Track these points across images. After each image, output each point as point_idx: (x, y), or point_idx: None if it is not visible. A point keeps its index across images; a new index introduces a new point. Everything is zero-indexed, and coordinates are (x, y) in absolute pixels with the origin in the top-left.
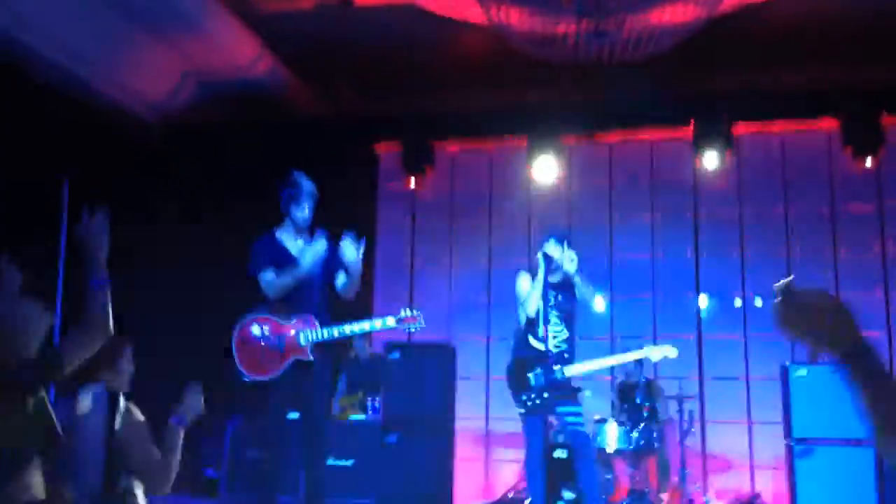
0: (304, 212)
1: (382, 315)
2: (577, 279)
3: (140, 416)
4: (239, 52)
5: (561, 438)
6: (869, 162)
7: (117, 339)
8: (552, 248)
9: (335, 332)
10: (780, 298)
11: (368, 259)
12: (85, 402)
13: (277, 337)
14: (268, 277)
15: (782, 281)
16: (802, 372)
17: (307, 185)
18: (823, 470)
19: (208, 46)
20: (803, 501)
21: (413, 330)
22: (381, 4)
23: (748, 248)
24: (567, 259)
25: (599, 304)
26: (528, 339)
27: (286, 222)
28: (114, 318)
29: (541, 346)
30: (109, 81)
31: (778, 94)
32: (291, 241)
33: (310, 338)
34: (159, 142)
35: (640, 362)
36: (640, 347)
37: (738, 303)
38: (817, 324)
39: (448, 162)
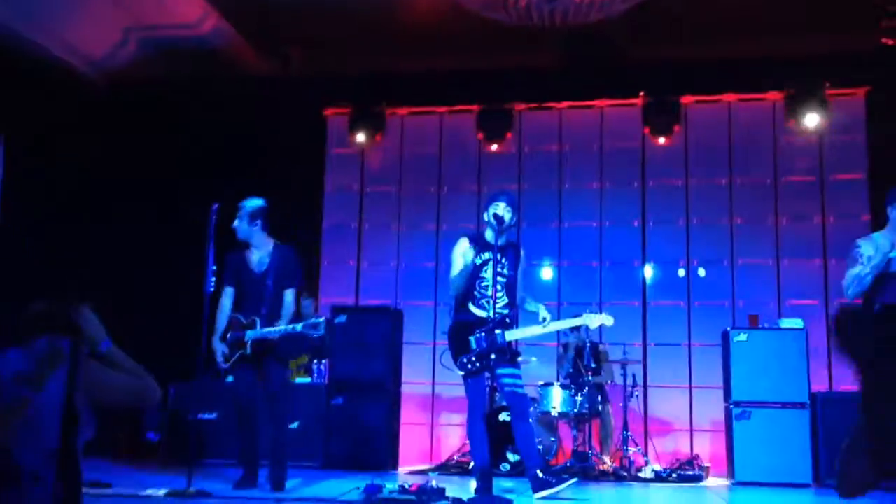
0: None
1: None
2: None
3: (92, 362)
4: (184, 9)
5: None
6: (811, 134)
7: (65, 304)
8: (503, 209)
9: (265, 332)
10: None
11: (316, 223)
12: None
13: (235, 334)
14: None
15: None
16: (742, 337)
17: (249, 206)
18: (760, 432)
19: (152, 2)
20: (741, 461)
21: (314, 335)
22: None
23: (693, 216)
24: None
25: (546, 273)
26: (467, 305)
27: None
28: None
29: (482, 313)
30: (48, 36)
31: (725, 66)
32: (254, 257)
33: (250, 336)
34: (103, 98)
35: (585, 327)
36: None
37: (681, 273)
38: None
39: (398, 125)
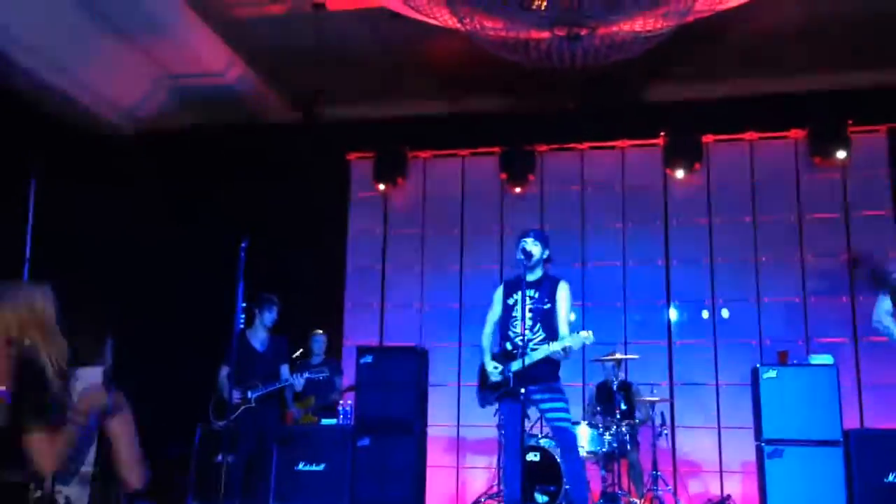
0: (273, 316)
1: None
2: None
3: (127, 408)
4: (210, 58)
5: (534, 441)
6: (834, 171)
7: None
8: (530, 244)
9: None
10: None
11: (340, 266)
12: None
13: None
14: (221, 374)
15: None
16: (772, 374)
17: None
18: (793, 471)
19: (180, 53)
20: (774, 501)
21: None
22: (353, 9)
23: (717, 255)
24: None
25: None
26: (503, 344)
27: (256, 322)
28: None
29: (508, 346)
30: (80, 87)
31: (746, 104)
32: (257, 339)
33: (255, 395)
34: (131, 147)
35: (617, 364)
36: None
37: (705, 314)
38: None
39: (420, 168)
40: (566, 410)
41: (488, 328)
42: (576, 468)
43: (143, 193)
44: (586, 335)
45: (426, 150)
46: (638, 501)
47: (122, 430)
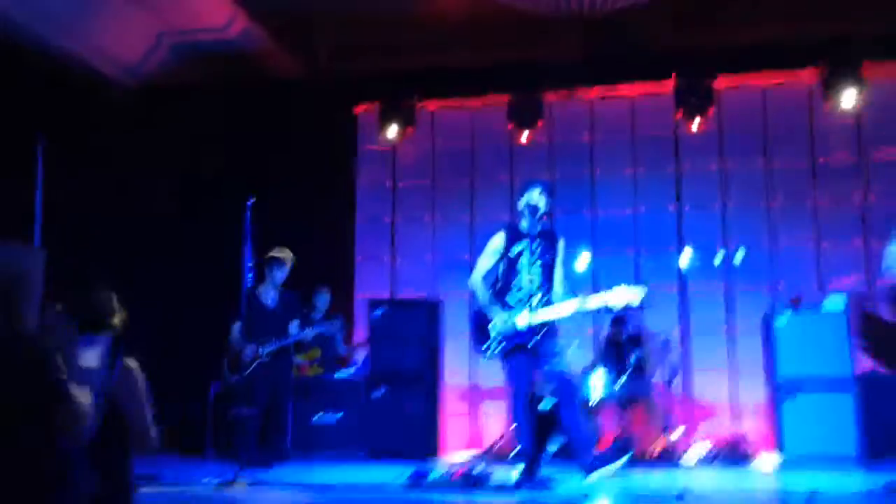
0: (284, 274)
1: None
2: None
3: (139, 374)
4: (213, 12)
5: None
6: (848, 112)
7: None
8: (536, 197)
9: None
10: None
11: (349, 218)
12: (91, 355)
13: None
14: (234, 330)
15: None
16: (785, 319)
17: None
18: (806, 413)
19: (182, 7)
20: (789, 440)
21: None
22: None
23: (729, 200)
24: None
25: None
26: (504, 296)
27: (266, 280)
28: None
29: (513, 301)
30: (81, 43)
31: (757, 47)
32: (267, 296)
33: (266, 350)
34: (134, 104)
35: (625, 315)
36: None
37: (717, 260)
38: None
39: (429, 119)
40: (562, 358)
41: (481, 274)
42: (576, 414)
43: (147, 150)
44: (635, 291)
45: (434, 101)
46: (652, 444)
47: (132, 396)
